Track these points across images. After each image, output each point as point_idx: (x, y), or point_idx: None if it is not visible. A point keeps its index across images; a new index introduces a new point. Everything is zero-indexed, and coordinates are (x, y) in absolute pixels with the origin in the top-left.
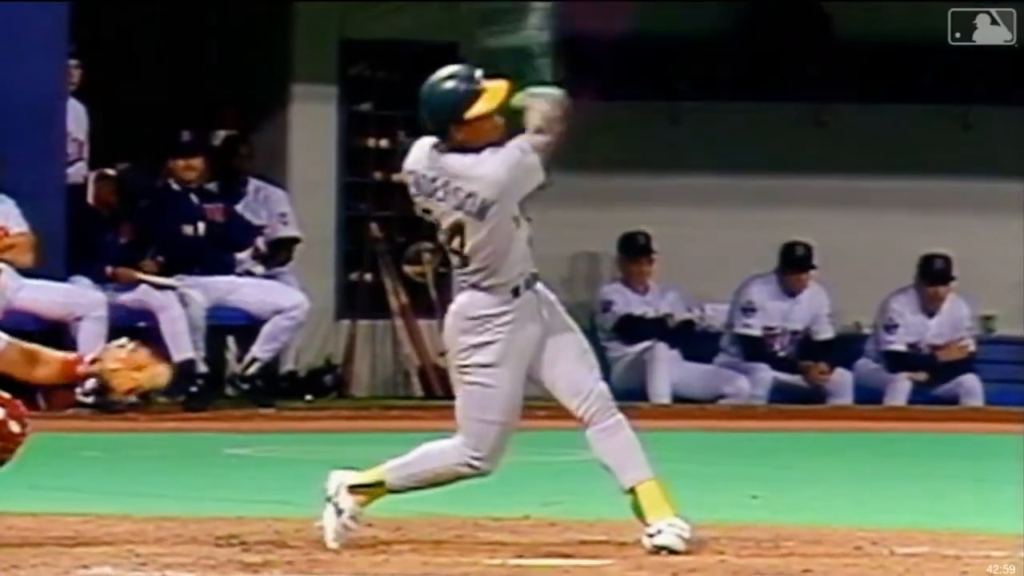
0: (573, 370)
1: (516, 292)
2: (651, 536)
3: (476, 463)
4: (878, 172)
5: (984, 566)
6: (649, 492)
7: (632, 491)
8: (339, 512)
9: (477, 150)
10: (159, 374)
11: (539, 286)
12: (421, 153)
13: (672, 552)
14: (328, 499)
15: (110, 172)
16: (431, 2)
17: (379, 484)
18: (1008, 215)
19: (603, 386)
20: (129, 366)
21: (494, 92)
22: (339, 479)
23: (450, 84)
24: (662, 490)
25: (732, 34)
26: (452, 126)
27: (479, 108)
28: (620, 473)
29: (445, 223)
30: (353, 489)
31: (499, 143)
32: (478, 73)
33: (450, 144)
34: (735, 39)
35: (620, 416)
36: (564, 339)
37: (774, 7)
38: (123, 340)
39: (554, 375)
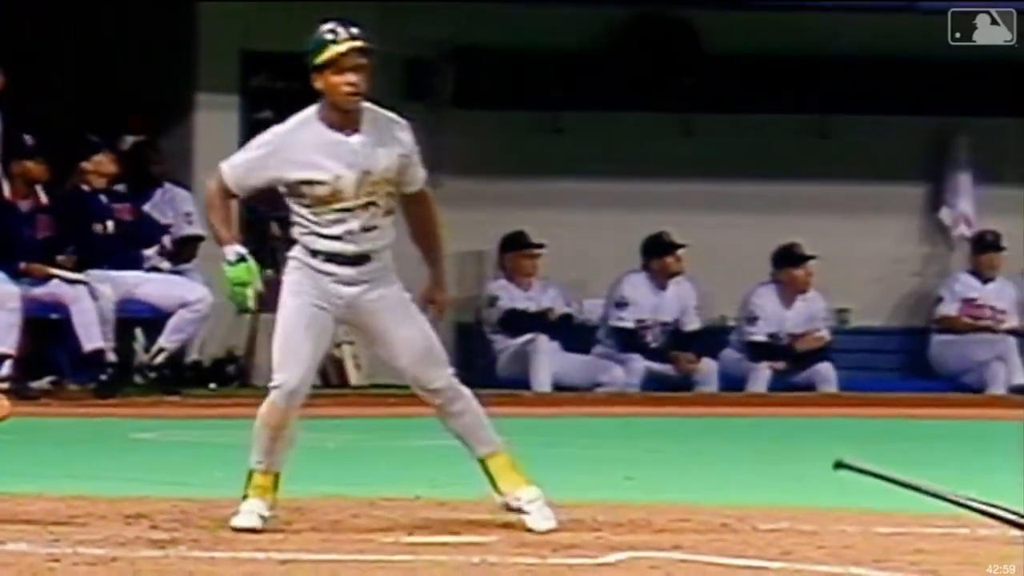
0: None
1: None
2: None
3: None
4: (743, 176)
5: (839, 539)
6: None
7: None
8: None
9: None
10: None
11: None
12: None
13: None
14: None
15: (29, 164)
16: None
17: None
18: (862, 216)
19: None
20: None
21: (342, 38)
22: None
23: (316, 33)
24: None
25: (610, 49)
26: (316, 80)
27: (327, 54)
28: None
29: None
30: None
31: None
32: (339, 27)
33: (321, 105)
34: (613, 53)
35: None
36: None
37: (648, 24)
38: None
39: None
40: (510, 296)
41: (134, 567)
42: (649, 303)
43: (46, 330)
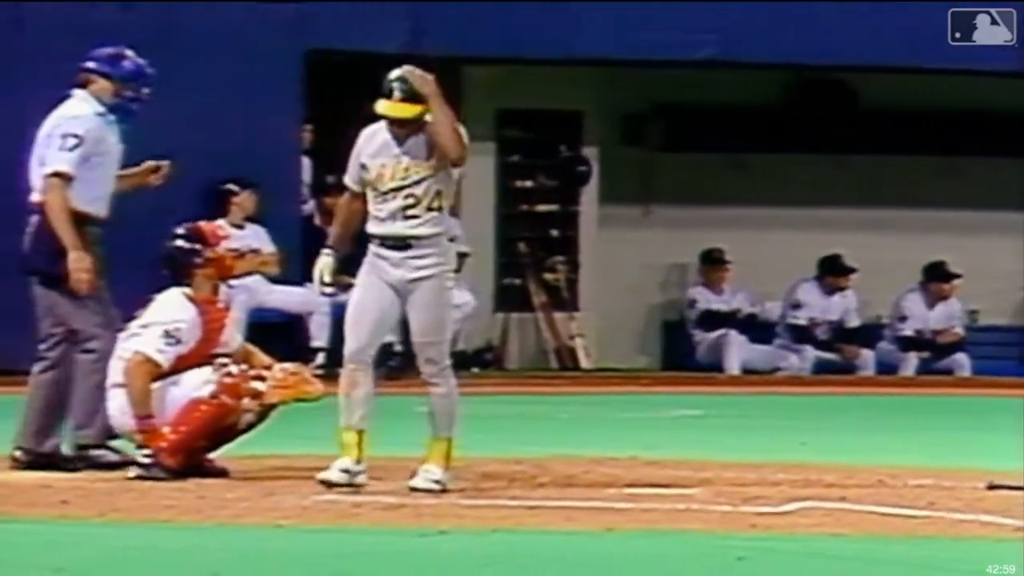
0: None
1: None
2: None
3: None
4: (890, 205)
5: (973, 494)
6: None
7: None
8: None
9: None
10: (306, 392)
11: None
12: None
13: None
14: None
15: (330, 199)
16: (561, 81)
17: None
18: (988, 238)
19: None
20: (279, 385)
21: (386, 105)
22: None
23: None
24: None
25: (784, 103)
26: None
27: (378, 106)
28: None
29: None
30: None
31: None
32: (397, 83)
33: None
34: (787, 107)
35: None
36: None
37: (814, 84)
38: (287, 364)
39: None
40: (707, 299)
41: (417, 511)
42: (819, 305)
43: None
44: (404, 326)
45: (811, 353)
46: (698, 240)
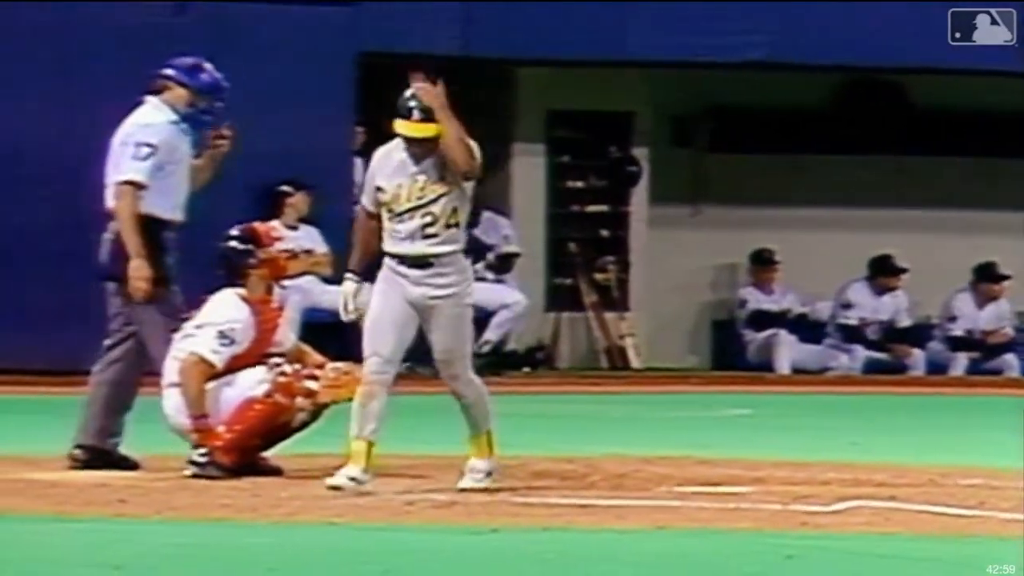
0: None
1: None
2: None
3: None
4: (940, 206)
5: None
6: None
7: None
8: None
9: None
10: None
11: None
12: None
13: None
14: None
15: None
16: (611, 82)
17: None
18: None
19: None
20: (331, 384)
21: (404, 125)
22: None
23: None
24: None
25: (835, 105)
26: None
27: (395, 125)
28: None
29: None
30: None
31: None
32: (413, 103)
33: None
34: (838, 108)
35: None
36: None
37: (866, 85)
38: (339, 364)
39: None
40: (757, 299)
41: (468, 509)
42: (869, 305)
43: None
44: None
45: (861, 353)
46: (748, 240)
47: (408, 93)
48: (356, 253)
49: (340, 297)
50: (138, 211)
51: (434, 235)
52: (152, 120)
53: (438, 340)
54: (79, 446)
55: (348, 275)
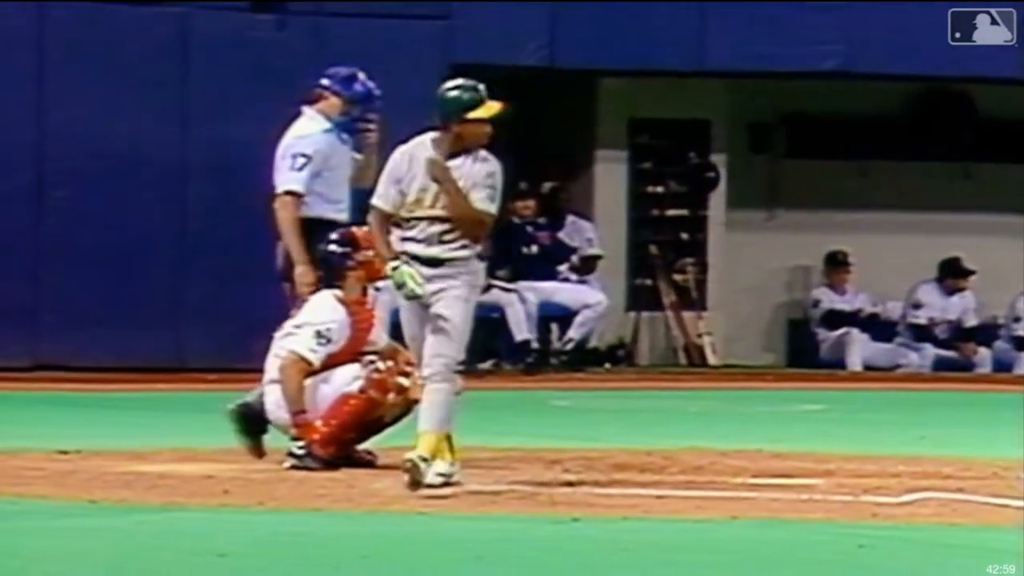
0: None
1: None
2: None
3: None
4: (1006, 211)
5: None
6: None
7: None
8: None
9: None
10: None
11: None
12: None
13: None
14: None
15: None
16: (690, 91)
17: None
18: None
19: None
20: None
21: (491, 106)
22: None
23: (461, 90)
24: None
25: (906, 113)
26: (455, 122)
27: (480, 112)
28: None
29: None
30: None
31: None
32: (483, 88)
33: (445, 137)
34: (908, 116)
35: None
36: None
37: (936, 94)
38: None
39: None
40: (830, 299)
41: (552, 499)
42: (938, 305)
43: (489, 326)
44: (543, 322)
45: (931, 351)
46: (821, 243)
47: (469, 83)
48: (385, 250)
49: (409, 281)
50: (302, 217)
51: (452, 240)
52: (306, 131)
53: (429, 344)
54: (244, 403)
55: (394, 262)
